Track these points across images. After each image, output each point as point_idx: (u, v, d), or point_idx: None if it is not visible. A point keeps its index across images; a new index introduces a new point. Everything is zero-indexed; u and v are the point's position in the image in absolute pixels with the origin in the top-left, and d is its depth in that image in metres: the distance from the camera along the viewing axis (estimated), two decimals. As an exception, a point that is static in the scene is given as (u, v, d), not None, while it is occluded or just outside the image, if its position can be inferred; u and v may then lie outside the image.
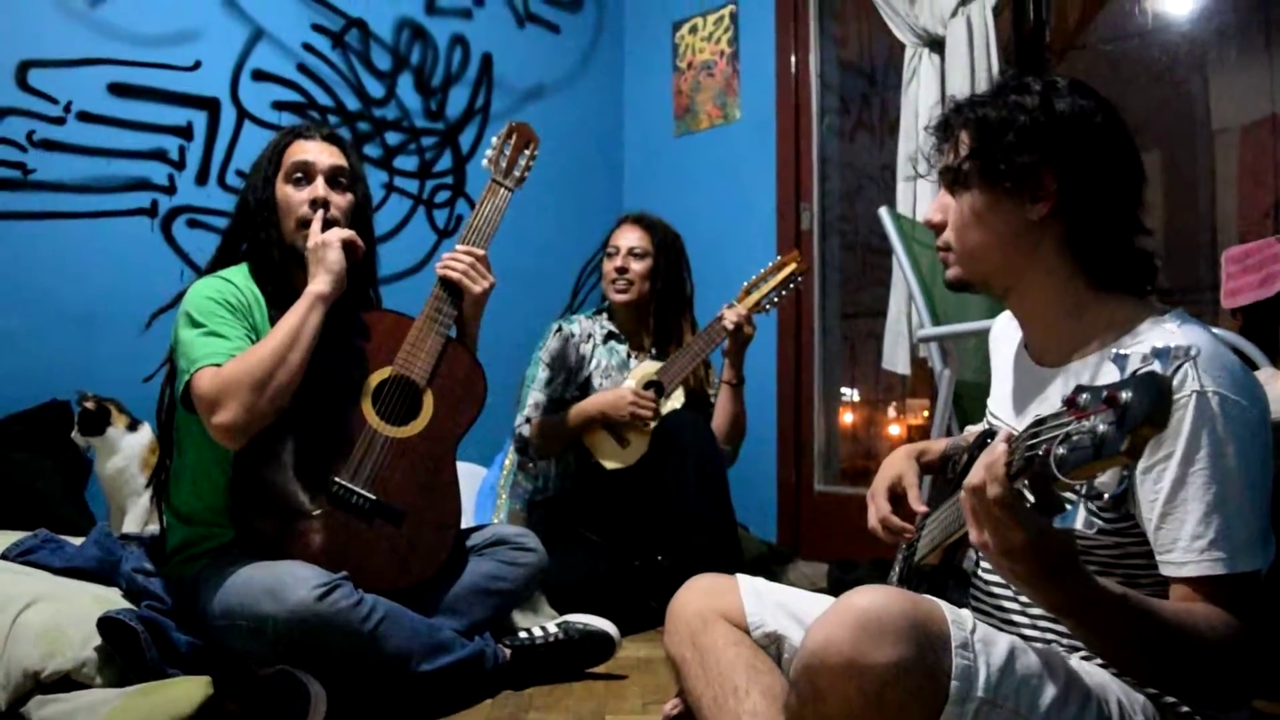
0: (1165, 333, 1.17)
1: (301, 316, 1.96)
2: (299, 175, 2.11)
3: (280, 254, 2.09)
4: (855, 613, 1.05)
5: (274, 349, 1.91)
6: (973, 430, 1.59)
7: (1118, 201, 1.25)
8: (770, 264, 2.91)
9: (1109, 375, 1.15)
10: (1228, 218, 3.45)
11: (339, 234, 2.05)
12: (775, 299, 2.90)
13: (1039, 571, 0.99)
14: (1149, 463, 1.12)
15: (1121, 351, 0.87)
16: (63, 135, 3.11)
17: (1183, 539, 1.10)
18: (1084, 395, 0.88)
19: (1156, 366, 0.83)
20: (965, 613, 1.12)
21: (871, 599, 1.06)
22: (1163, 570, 1.12)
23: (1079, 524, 0.90)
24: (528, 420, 2.85)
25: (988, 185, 1.27)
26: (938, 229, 1.34)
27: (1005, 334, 1.48)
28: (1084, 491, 0.90)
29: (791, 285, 2.91)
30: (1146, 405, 0.81)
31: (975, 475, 1.00)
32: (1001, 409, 1.42)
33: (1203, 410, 1.10)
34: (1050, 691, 1.10)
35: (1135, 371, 0.83)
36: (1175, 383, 1.08)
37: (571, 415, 2.80)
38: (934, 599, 1.12)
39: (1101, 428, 0.84)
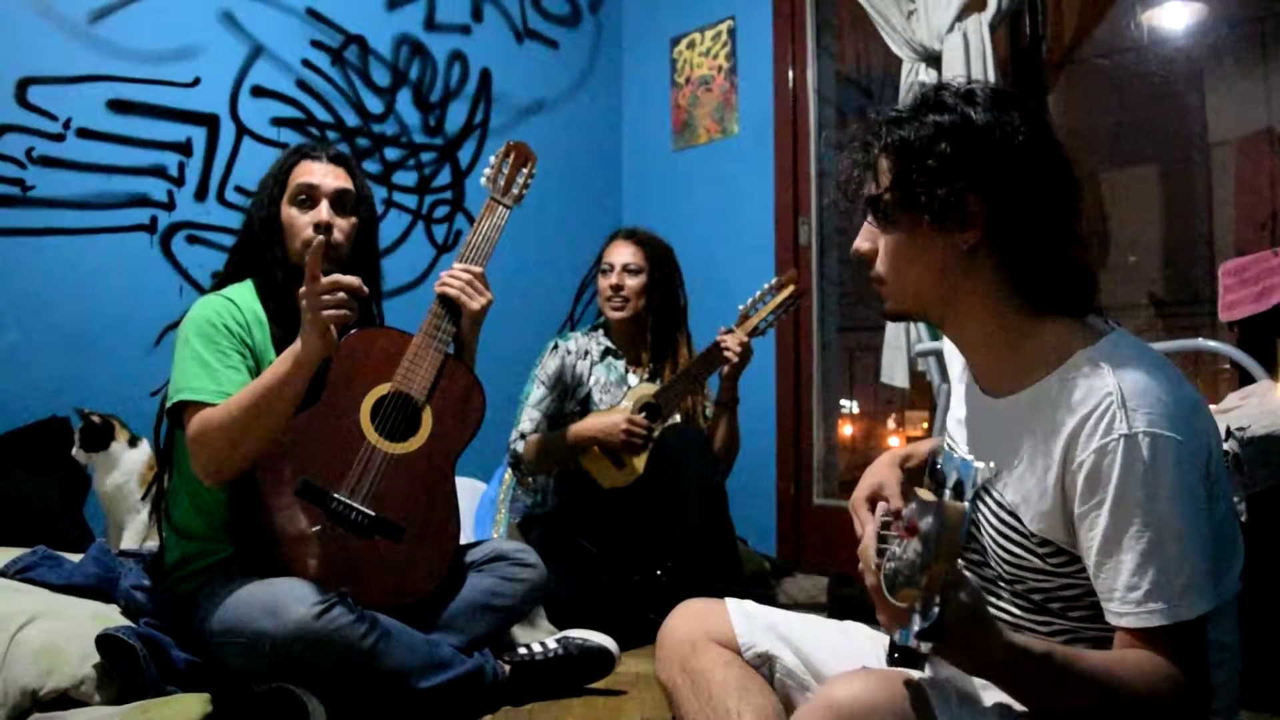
0: (1095, 366, 1.12)
1: (280, 382, 1.90)
2: (303, 197, 2.12)
3: (284, 274, 2.09)
4: (838, 711, 1.04)
5: (248, 411, 1.88)
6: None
7: (1050, 219, 1.19)
8: (767, 285, 2.90)
9: (1048, 409, 1.14)
10: (1225, 230, 3.45)
11: (334, 315, 1.88)
12: (773, 321, 2.90)
13: (946, 649, 0.98)
14: (1083, 509, 1.10)
15: (939, 460, 0.87)
16: (62, 152, 3.12)
17: (1119, 589, 1.07)
18: (907, 509, 0.89)
19: (954, 488, 0.83)
20: (948, 682, 1.11)
21: (853, 693, 1.06)
22: (1106, 618, 1.10)
23: (909, 641, 0.90)
24: (522, 437, 2.85)
25: (913, 217, 1.20)
26: (868, 259, 1.27)
27: (954, 353, 1.43)
28: (918, 608, 0.91)
29: (790, 307, 2.91)
30: (935, 540, 0.83)
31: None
32: (957, 433, 1.41)
33: (1131, 454, 1.06)
34: None
35: (939, 495, 0.84)
36: (1104, 424, 1.07)
37: (567, 437, 2.80)
38: (916, 677, 1.10)
39: (910, 554, 0.86)
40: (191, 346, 1.96)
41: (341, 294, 1.88)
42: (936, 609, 0.88)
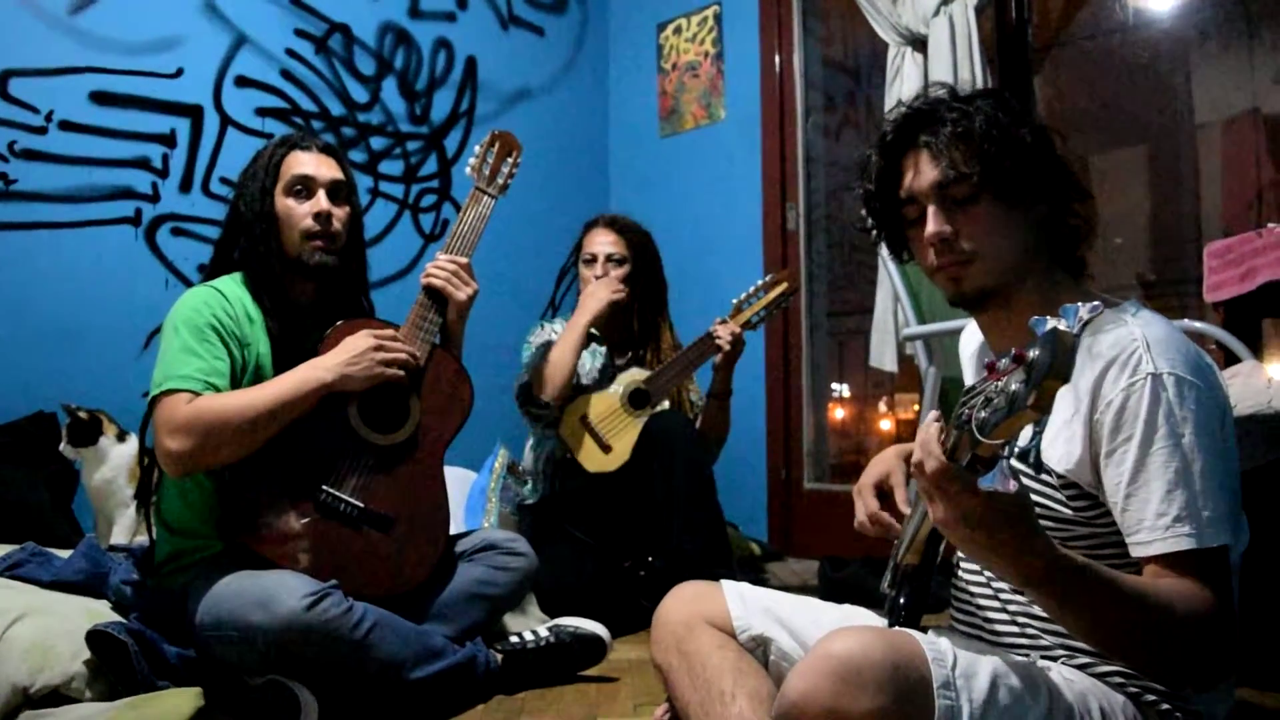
0: (1120, 322, 1.20)
1: (296, 398, 1.94)
2: (300, 188, 2.11)
3: (281, 266, 2.09)
4: (834, 661, 1.05)
5: (256, 414, 1.90)
6: None
7: (1078, 195, 1.30)
8: (761, 282, 2.94)
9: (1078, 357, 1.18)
10: (1211, 210, 3.47)
11: (398, 352, 2.07)
12: (765, 316, 2.93)
13: (997, 536, 1.00)
14: (1111, 445, 1.14)
15: (1037, 317, 0.89)
16: (45, 145, 3.10)
17: (1148, 518, 1.12)
18: (1003, 360, 0.91)
19: (1061, 324, 0.85)
20: (944, 644, 1.12)
21: (850, 646, 1.07)
22: (1132, 552, 1.14)
23: (994, 482, 0.91)
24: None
25: (1005, 191, 1.27)
26: (950, 239, 1.28)
27: (969, 338, 1.50)
28: (1006, 451, 0.92)
29: (783, 304, 2.95)
30: (1048, 359, 0.84)
31: (916, 454, 1.02)
32: None
33: (1158, 391, 1.12)
34: (1033, 717, 1.11)
35: (1044, 330, 0.86)
36: (1131, 365, 1.14)
37: (562, 337, 2.82)
38: (913, 635, 1.12)
39: (1014, 386, 0.87)
40: (180, 337, 1.95)
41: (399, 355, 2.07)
42: (1040, 432, 0.90)
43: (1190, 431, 1.12)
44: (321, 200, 2.10)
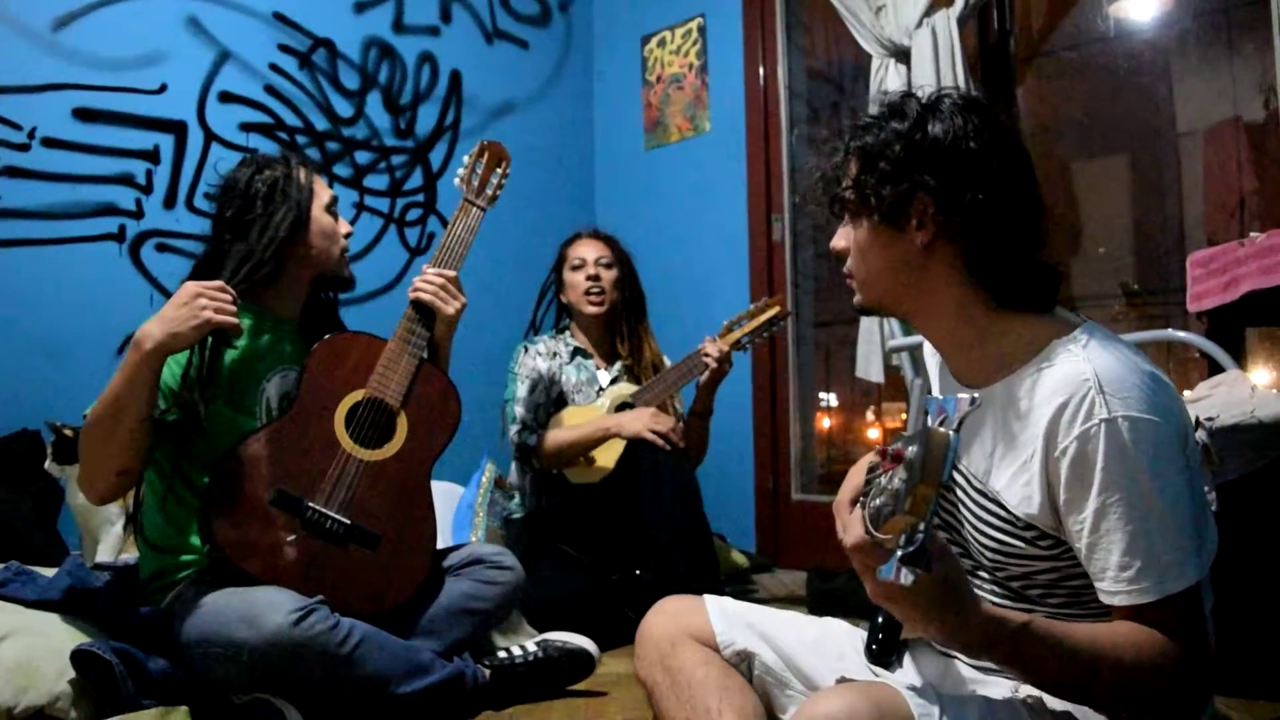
0: (1070, 355, 1.16)
1: (132, 378, 1.83)
2: (333, 208, 2.20)
3: (308, 276, 2.18)
4: None
5: (101, 412, 1.86)
6: None
7: (1007, 220, 1.21)
8: (753, 305, 2.95)
9: (1027, 397, 1.17)
10: (1195, 218, 3.49)
11: (221, 299, 1.88)
12: (755, 339, 2.93)
13: (925, 613, 1.01)
14: (1070, 495, 1.13)
15: (928, 396, 0.89)
16: (27, 162, 3.09)
17: (1110, 569, 1.11)
18: (890, 448, 0.92)
19: (939, 420, 0.85)
20: (930, 697, 1.12)
21: (835, 708, 1.07)
22: (1100, 597, 1.13)
23: (891, 574, 0.91)
24: (525, 427, 2.86)
25: (868, 215, 1.27)
26: (842, 256, 1.35)
27: (931, 350, 1.48)
28: (901, 543, 0.92)
29: (773, 329, 2.95)
30: (920, 463, 0.84)
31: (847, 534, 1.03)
32: None
33: (1113, 437, 1.10)
34: None
35: (924, 424, 0.85)
36: (1084, 410, 1.11)
37: (586, 431, 2.79)
38: (899, 691, 1.12)
39: (895, 483, 0.88)
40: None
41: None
42: (921, 535, 0.90)
43: (1148, 475, 1.09)
44: (346, 223, 2.23)
